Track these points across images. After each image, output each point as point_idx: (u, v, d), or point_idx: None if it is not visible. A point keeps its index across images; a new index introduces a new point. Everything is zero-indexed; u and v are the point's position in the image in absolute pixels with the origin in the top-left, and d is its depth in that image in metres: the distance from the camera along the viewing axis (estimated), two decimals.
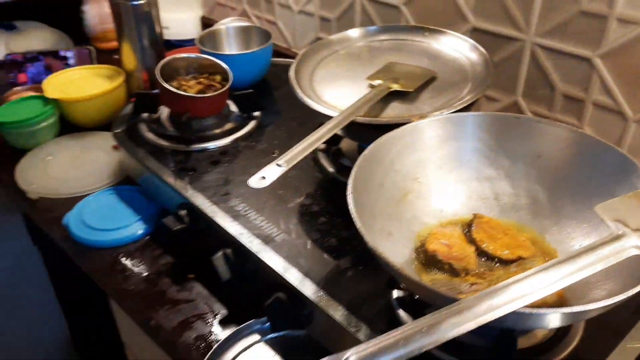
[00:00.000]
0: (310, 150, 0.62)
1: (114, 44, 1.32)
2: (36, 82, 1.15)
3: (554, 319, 0.45)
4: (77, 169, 0.97)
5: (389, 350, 0.39)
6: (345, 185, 0.55)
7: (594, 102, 0.79)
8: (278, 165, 0.60)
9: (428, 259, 0.57)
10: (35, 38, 1.33)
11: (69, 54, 1.21)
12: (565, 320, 0.48)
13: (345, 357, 0.39)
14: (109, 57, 1.28)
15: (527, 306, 0.42)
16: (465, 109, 0.70)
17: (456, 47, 0.82)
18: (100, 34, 1.34)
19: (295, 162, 0.61)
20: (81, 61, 1.22)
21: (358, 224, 0.50)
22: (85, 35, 1.36)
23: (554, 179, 0.61)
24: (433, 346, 0.39)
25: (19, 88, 1.12)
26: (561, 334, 0.57)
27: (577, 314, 0.45)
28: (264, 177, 0.59)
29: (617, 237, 0.47)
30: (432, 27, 0.86)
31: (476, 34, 0.87)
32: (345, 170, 0.75)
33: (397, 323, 0.57)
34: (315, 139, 0.63)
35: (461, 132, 0.64)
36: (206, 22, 1.33)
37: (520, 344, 0.54)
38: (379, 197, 0.59)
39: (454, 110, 0.68)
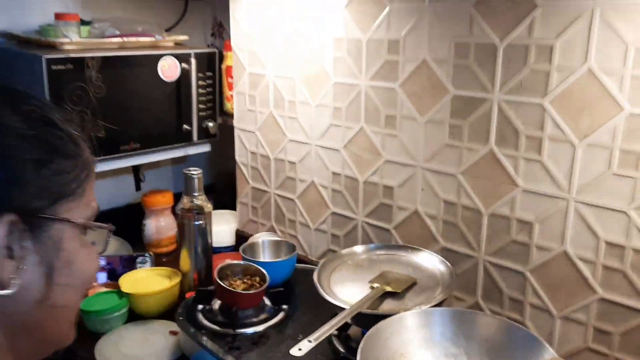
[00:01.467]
0: (331, 332, 0.92)
1: (165, 249, 1.68)
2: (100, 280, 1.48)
3: None
4: (142, 350, 1.24)
5: None
6: None
7: (530, 303, 1.10)
8: (309, 341, 0.89)
9: None
10: None
11: (139, 258, 1.54)
12: None
13: None
14: (160, 259, 1.62)
15: None
16: (438, 305, 1.01)
17: (430, 261, 1.17)
18: (155, 242, 1.70)
19: (320, 339, 0.90)
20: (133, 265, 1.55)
21: None
22: (142, 242, 1.72)
23: (495, 352, 0.90)
24: None
25: (95, 284, 1.44)
26: None
27: None
28: (300, 349, 0.88)
29: None
30: (413, 246, 1.22)
31: (444, 252, 1.22)
32: (353, 351, 1.03)
33: None
34: (335, 323, 0.93)
35: (432, 321, 0.94)
36: (240, 234, 1.70)
37: None
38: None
39: (429, 306, 0.99)
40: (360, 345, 0.86)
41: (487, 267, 1.15)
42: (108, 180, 1.89)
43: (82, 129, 1.42)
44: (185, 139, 1.62)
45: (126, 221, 1.76)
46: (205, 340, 1.13)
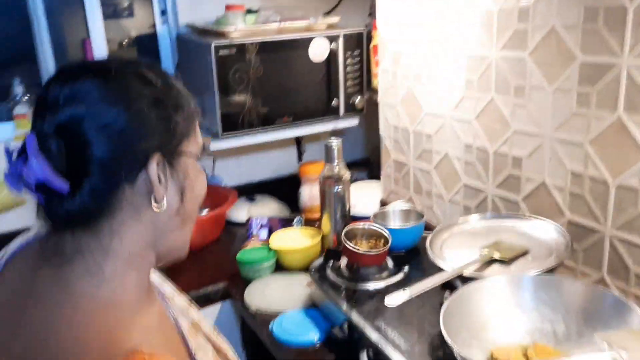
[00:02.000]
0: (426, 289, 0.98)
1: (316, 214, 1.84)
2: (262, 237, 1.69)
3: None
4: (281, 295, 1.42)
5: None
6: None
7: None
8: (404, 289, 0.97)
9: None
10: (267, 207, 1.92)
11: (293, 220, 1.74)
12: None
13: None
14: (311, 223, 1.79)
15: None
16: (546, 274, 1.00)
17: (549, 232, 1.14)
18: (308, 207, 1.88)
19: (415, 294, 0.97)
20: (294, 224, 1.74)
21: (446, 335, 0.84)
22: (297, 206, 1.92)
23: (576, 316, 0.89)
24: None
25: (252, 240, 1.67)
26: None
27: None
28: (395, 299, 0.96)
29: (603, 351, 0.74)
30: (533, 215, 1.20)
31: (570, 225, 1.18)
32: None
33: None
34: (435, 282, 0.99)
35: (522, 286, 0.95)
36: (383, 203, 1.80)
37: None
38: (464, 323, 0.92)
39: (532, 273, 0.99)
40: (444, 306, 0.90)
41: (613, 242, 1.09)
42: (275, 151, 2.13)
43: (244, 105, 1.64)
44: (333, 113, 1.76)
45: (288, 189, 1.98)
46: (329, 291, 1.26)
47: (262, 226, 1.77)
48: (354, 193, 1.81)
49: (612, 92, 1.05)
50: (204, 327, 0.86)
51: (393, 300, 0.96)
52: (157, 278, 0.85)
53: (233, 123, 1.62)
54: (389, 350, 1.01)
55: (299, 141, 2.13)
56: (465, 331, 0.91)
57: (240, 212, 1.90)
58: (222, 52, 1.56)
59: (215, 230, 1.78)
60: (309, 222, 1.79)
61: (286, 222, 1.77)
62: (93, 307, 0.66)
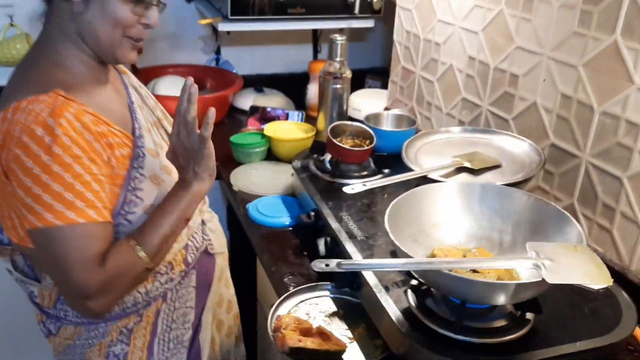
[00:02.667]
0: (385, 184, 1.01)
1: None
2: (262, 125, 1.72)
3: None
4: (266, 181, 1.46)
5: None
6: None
7: (621, 212, 1.03)
8: (364, 185, 0.99)
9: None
10: (273, 100, 1.93)
11: (290, 113, 1.76)
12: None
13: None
14: (313, 121, 1.81)
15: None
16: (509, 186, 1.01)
17: (527, 152, 1.14)
18: (313, 105, 1.89)
19: (373, 186, 1.00)
20: (293, 118, 1.76)
21: (388, 227, 0.87)
22: (303, 103, 1.93)
23: (524, 229, 0.91)
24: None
25: (250, 127, 1.70)
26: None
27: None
28: (352, 189, 0.99)
29: (527, 257, 0.77)
30: (514, 134, 1.19)
31: (552, 148, 1.17)
32: None
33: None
34: (390, 179, 1.01)
35: (474, 194, 0.96)
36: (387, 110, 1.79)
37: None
38: (414, 221, 0.95)
39: (496, 183, 1.00)
40: (394, 201, 0.92)
41: (588, 169, 1.09)
42: (290, 46, 2.11)
43: None
44: (349, 11, 1.72)
45: (298, 85, 1.98)
46: (307, 181, 1.30)
47: (261, 114, 1.79)
48: (362, 99, 1.81)
49: (613, 12, 1.00)
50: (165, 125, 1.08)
51: (351, 189, 0.99)
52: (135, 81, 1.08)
53: (243, 6, 1.60)
54: (343, 237, 1.05)
55: (316, 39, 2.10)
56: (413, 228, 0.94)
57: (246, 100, 1.92)
58: None
59: (218, 113, 1.80)
60: (311, 120, 1.81)
61: (286, 116, 1.79)
62: (50, 62, 0.89)
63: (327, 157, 1.39)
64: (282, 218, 1.29)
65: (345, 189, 0.99)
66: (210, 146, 0.90)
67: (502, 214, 0.95)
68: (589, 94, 1.07)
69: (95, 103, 0.89)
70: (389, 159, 1.35)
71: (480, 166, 1.09)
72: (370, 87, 2.18)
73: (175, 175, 0.96)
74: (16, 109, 0.82)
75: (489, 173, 1.09)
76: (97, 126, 0.86)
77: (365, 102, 1.84)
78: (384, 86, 2.14)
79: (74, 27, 0.89)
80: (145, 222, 0.90)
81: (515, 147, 1.17)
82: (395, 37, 1.72)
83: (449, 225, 0.96)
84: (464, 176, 1.08)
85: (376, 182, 1.00)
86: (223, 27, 1.64)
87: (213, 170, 0.93)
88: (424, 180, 1.06)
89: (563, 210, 0.88)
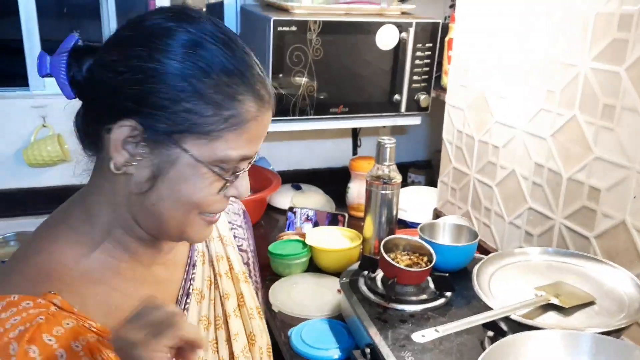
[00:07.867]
0: (462, 329, 0.85)
1: (362, 213, 1.72)
2: (304, 230, 1.58)
3: None
4: (309, 299, 1.31)
5: None
6: None
7: None
8: (436, 330, 0.83)
9: None
10: (312, 198, 1.81)
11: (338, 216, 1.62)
12: None
13: None
14: (356, 222, 1.67)
15: None
16: (612, 334, 0.84)
17: (623, 283, 0.97)
18: (355, 205, 1.75)
19: (447, 333, 0.84)
20: (334, 223, 1.63)
21: None
22: (344, 201, 1.80)
23: None
24: None
25: (288, 232, 1.56)
26: None
27: None
28: (423, 336, 0.83)
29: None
30: (606, 260, 1.03)
31: None
32: None
33: None
34: (468, 322, 0.85)
35: (581, 348, 0.79)
36: (437, 214, 1.65)
37: None
38: None
39: (597, 331, 0.83)
40: (483, 354, 0.77)
41: None
42: (329, 141, 2.01)
43: (298, 89, 1.53)
44: (394, 109, 1.62)
45: (338, 182, 1.86)
46: (358, 306, 1.14)
47: (307, 218, 1.66)
48: (407, 197, 1.68)
49: None
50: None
51: (421, 337, 0.83)
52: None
53: (284, 108, 1.51)
54: None
55: (355, 133, 2.00)
56: None
57: (283, 198, 1.80)
58: (281, 28, 1.45)
59: (254, 214, 1.68)
60: (354, 220, 1.67)
61: (333, 219, 1.65)
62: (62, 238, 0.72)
63: (379, 274, 1.24)
64: (331, 351, 1.12)
65: (415, 337, 0.83)
66: None
67: None
68: None
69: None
70: (449, 279, 1.19)
71: (571, 304, 0.92)
72: (413, 182, 2.05)
73: None
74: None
75: (581, 312, 0.92)
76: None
77: (412, 202, 1.70)
78: (428, 181, 2.01)
79: (128, 208, 0.71)
80: None
81: (608, 276, 1.00)
82: (444, 135, 1.60)
83: None
84: (551, 315, 0.91)
85: (449, 328, 0.84)
86: None
87: None
88: (506, 321, 0.89)
89: None
